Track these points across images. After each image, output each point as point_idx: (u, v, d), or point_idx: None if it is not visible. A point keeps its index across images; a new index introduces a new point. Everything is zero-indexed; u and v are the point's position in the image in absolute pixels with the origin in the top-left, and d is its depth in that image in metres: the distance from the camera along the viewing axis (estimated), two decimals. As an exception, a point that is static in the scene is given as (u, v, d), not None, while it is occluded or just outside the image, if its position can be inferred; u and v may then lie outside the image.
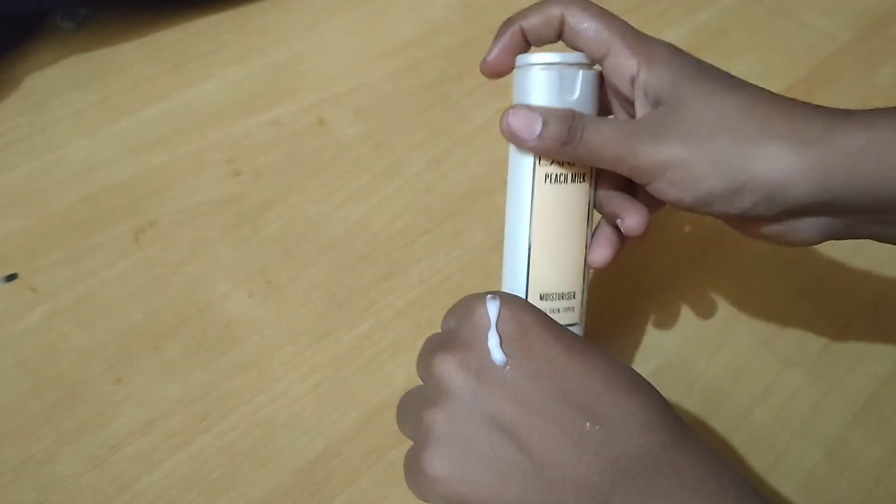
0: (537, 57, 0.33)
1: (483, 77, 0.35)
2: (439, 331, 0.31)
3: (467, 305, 0.30)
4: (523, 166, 0.33)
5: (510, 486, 0.26)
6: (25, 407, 0.37)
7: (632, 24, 0.33)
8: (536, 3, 0.34)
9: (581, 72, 0.32)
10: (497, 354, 0.28)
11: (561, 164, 0.33)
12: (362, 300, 0.42)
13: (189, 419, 0.37)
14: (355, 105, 0.50)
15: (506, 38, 0.34)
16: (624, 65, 0.32)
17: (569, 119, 0.32)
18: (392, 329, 0.41)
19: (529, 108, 0.32)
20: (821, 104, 0.31)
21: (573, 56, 0.33)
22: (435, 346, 0.29)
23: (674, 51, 0.32)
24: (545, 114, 0.32)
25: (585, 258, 0.34)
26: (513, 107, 0.33)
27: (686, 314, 0.42)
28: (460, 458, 0.27)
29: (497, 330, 0.28)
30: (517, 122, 0.32)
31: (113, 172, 0.46)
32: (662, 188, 0.31)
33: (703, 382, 0.40)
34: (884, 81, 0.53)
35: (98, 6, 0.52)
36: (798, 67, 0.54)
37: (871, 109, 0.30)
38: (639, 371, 0.41)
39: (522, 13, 0.33)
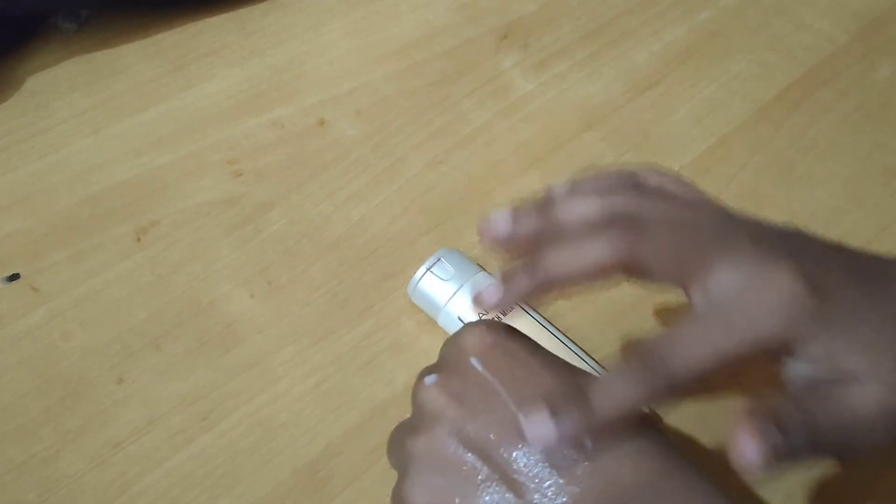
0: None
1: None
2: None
3: (454, 333, 0.29)
4: None
5: None
6: (28, 406, 0.37)
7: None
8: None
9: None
10: None
11: None
12: (363, 300, 0.42)
13: (191, 418, 0.37)
14: (356, 106, 0.50)
15: None
16: None
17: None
18: (393, 329, 0.41)
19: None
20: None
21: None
22: (421, 375, 0.29)
23: None
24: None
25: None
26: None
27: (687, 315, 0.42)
28: (441, 485, 0.26)
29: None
30: None
31: (115, 173, 0.46)
32: None
33: (703, 381, 0.40)
34: (882, 82, 0.53)
35: (99, 8, 0.52)
36: (796, 68, 0.54)
37: None
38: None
39: None
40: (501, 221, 0.29)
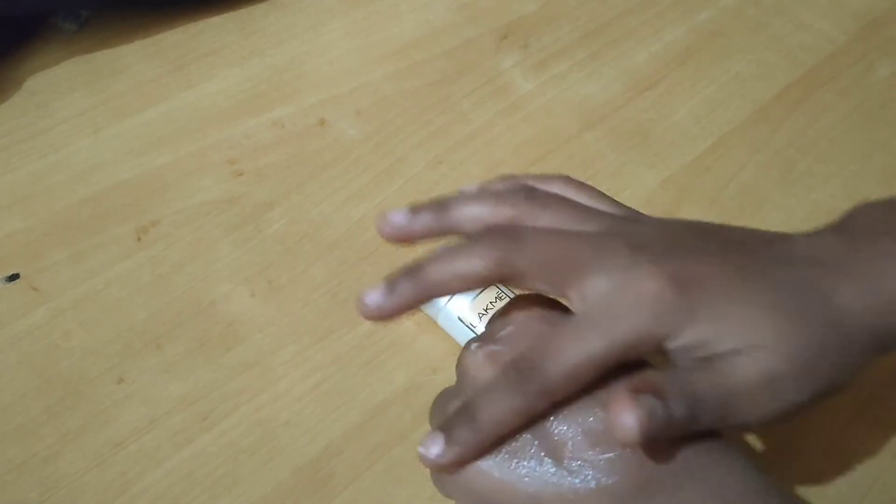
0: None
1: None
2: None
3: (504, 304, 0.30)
4: None
5: (530, 485, 0.26)
6: (28, 406, 0.37)
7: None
8: None
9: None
10: None
11: None
12: (363, 300, 0.42)
13: (191, 418, 0.37)
14: (356, 106, 0.50)
15: None
16: None
17: None
18: (393, 328, 0.41)
19: None
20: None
21: None
22: (467, 343, 0.30)
23: None
24: None
25: None
26: None
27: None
28: None
29: None
30: None
31: (115, 173, 0.46)
32: None
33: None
34: (882, 82, 0.53)
35: (99, 7, 0.53)
36: (796, 68, 0.54)
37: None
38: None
39: None
40: (397, 217, 0.30)
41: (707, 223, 0.30)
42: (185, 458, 0.36)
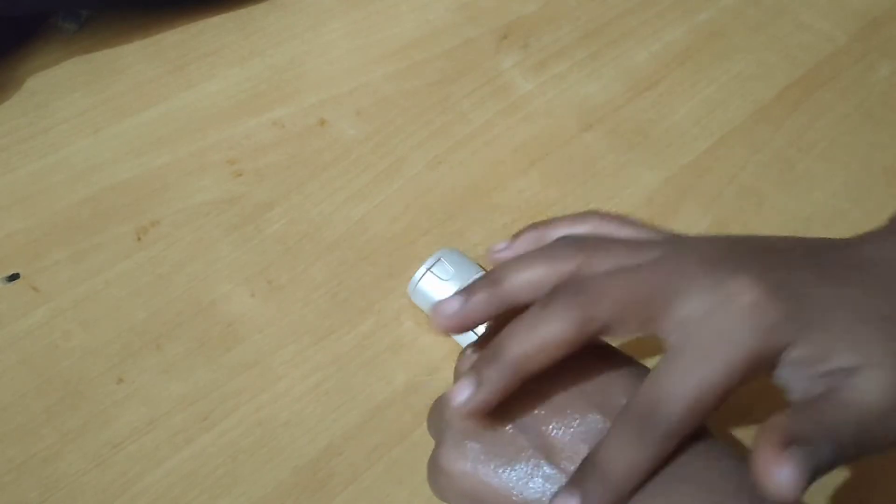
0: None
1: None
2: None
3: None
4: None
5: (527, 485, 0.26)
6: (28, 406, 0.37)
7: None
8: None
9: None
10: None
11: None
12: (363, 300, 0.42)
13: (191, 418, 0.37)
14: (356, 106, 0.50)
15: None
16: None
17: None
18: (393, 328, 0.41)
19: None
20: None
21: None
22: (465, 348, 0.30)
23: None
24: None
25: None
26: None
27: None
28: (477, 450, 0.27)
29: None
30: None
31: (115, 173, 0.46)
32: None
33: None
34: (882, 82, 0.53)
35: (99, 7, 0.53)
36: (796, 68, 0.54)
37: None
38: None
39: None
40: (451, 306, 0.28)
41: (755, 236, 0.29)
42: (185, 458, 0.36)
